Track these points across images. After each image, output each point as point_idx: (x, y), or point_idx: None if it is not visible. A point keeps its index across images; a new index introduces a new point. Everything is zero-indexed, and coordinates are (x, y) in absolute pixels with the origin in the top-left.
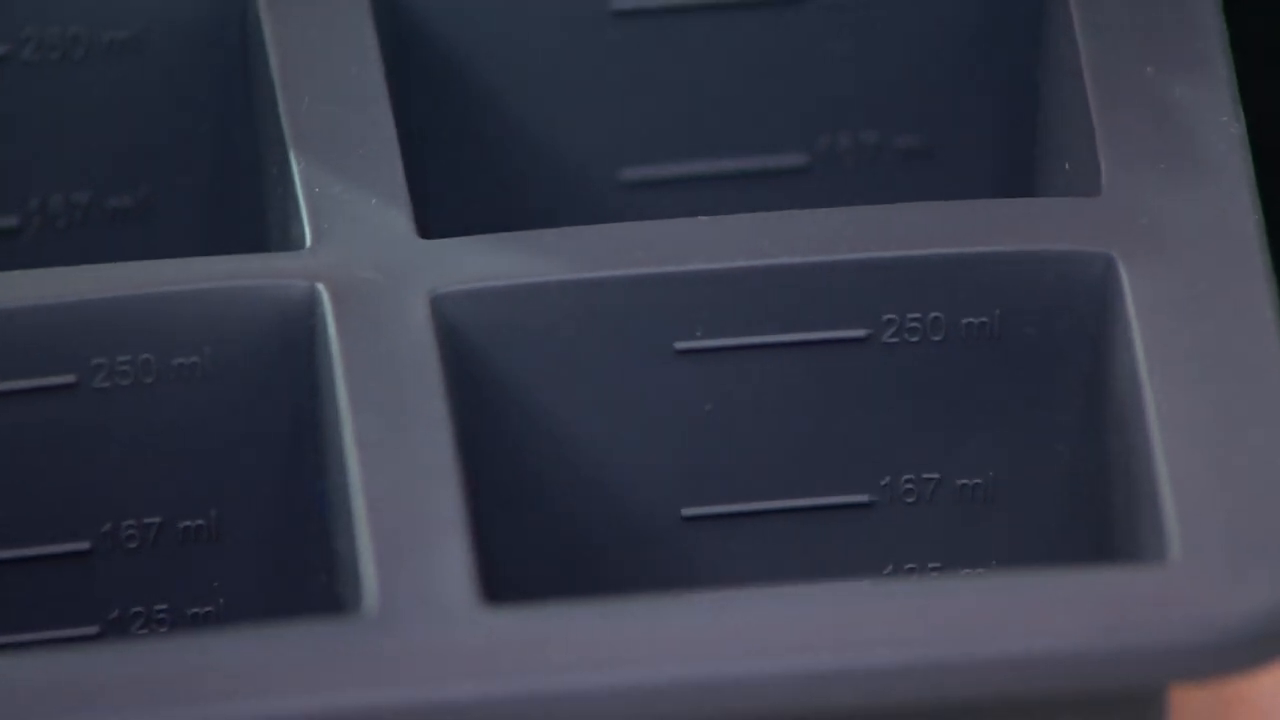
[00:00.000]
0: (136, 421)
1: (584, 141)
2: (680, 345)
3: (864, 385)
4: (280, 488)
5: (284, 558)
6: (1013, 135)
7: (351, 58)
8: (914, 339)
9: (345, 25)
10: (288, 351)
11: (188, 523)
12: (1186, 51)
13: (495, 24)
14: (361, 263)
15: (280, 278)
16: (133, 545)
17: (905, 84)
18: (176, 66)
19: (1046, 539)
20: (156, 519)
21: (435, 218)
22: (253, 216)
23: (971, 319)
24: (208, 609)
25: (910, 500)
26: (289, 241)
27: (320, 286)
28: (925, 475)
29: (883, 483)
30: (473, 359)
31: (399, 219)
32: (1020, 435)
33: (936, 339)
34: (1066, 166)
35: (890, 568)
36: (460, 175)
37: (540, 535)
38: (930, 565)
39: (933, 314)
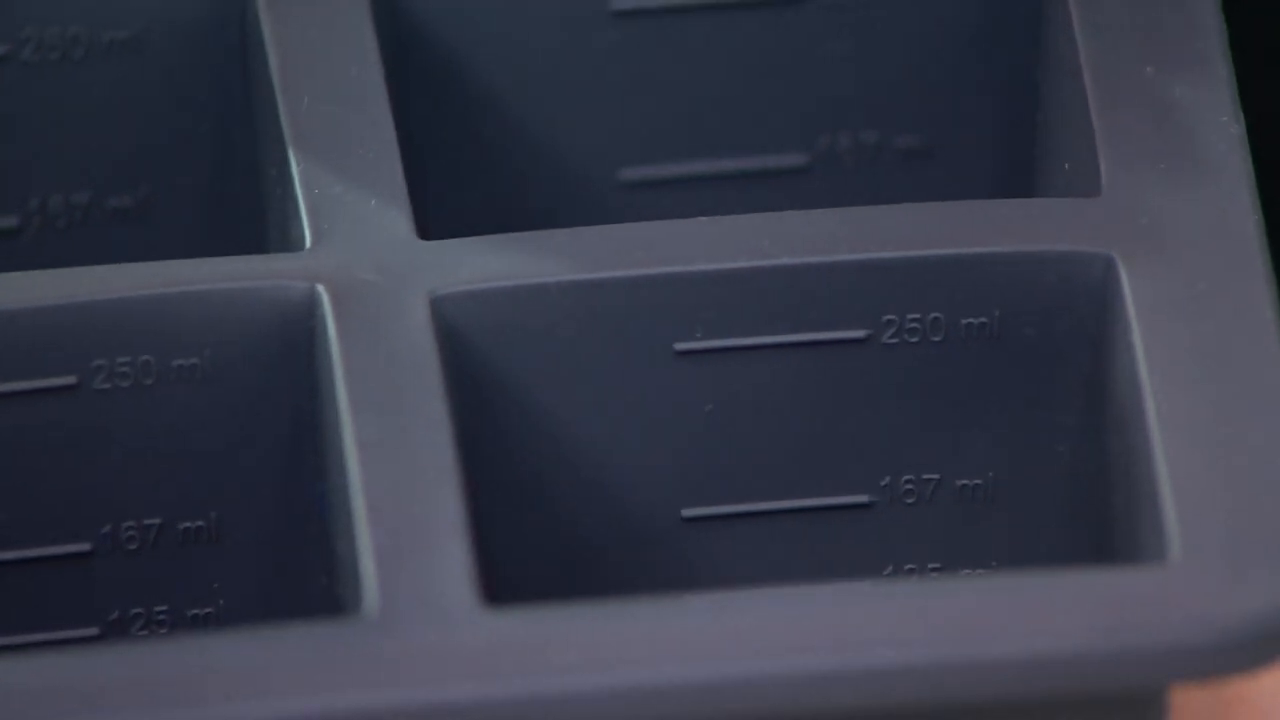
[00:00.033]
0: (137, 423)
1: (584, 141)
2: (680, 346)
3: (864, 386)
4: (280, 489)
5: (284, 559)
6: (1013, 135)
7: (351, 58)
8: (914, 339)
9: (345, 25)
10: (288, 353)
11: (188, 524)
12: (1186, 51)
13: (495, 24)
14: (361, 264)
15: (280, 279)
16: (133, 547)
17: (905, 84)
18: (176, 66)
19: (1046, 539)
20: (156, 520)
21: (435, 218)
22: (252, 217)
23: (971, 319)
24: (208, 610)
25: (910, 501)
26: (289, 242)
27: (320, 288)
28: (925, 476)
29: (883, 483)
30: (473, 360)
31: (399, 220)
32: (1020, 436)
33: (936, 339)
34: (1066, 167)
35: (890, 568)
36: (460, 176)
37: (540, 536)
38: (930, 566)
39: (933, 314)
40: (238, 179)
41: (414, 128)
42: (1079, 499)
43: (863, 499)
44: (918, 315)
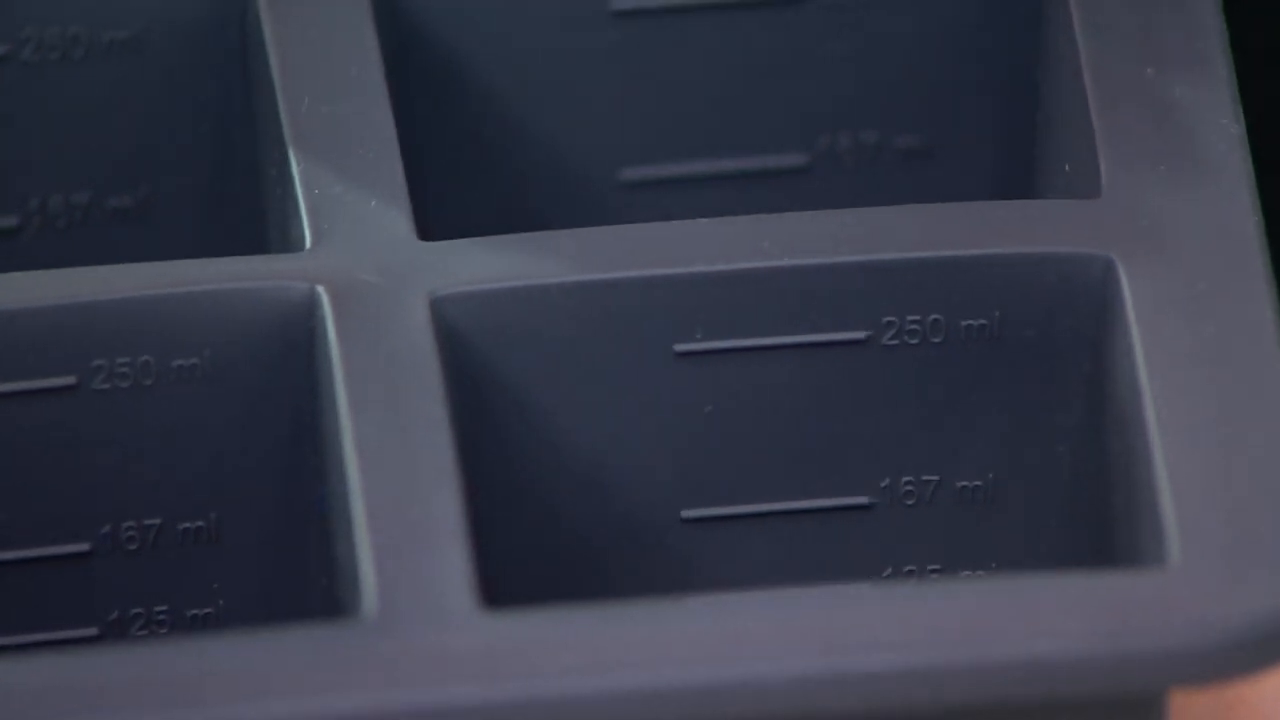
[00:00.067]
0: (136, 423)
1: (584, 142)
2: (680, 347)
3: (864, 387)
4: (280, 490)
5: (283, 560)
6: (1013, 135)
7: (351, 58)
8: (914, 341)
9: (345, 25)
10: (288, 353)
11: (187, 525)
12: (1186, 51)
13: (495, 25)
14: (361, 265)
15: (280, 279)
16: (132, 547)
17: (905, 84)
18: (176, 66)
19: (1046, 541)
20: (156, 521)
21: (435, 219)
22: (252, 217)
23: (971, 321)
24: (207, 611)
25: (910, 502)
26: (289, 243)
27: (320, 288)
28: (925, 477)
29: (883, 485)
30: (473, 361)
31: (399, 220)
32: (1020, 437)
33: (936, 341)
34: (1066, 167)
35: (890, 570)
36: (460, 176)
37: (539, 538)
38: (930, 567)
39: (932, 316)
40: (238, 179)
41: (414, 128)
42: (1079, 500)
43: (862, 500)
44: (918, 316)
